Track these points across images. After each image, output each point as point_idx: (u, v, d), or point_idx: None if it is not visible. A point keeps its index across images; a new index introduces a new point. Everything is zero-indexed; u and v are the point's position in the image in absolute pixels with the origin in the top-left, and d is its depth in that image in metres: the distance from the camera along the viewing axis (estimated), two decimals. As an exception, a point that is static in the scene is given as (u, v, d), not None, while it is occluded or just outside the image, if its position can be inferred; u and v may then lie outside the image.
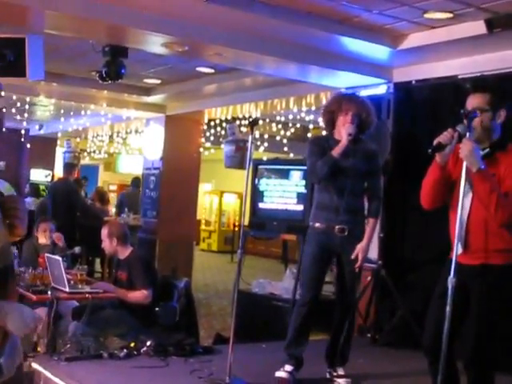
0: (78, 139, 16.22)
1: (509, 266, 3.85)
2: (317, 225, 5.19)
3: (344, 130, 5.04)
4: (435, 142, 3.84)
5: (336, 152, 5.02)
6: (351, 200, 5.09)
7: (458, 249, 3.82)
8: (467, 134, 3.74)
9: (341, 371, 5.25)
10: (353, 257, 5.07)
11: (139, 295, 5.94)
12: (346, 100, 5.20)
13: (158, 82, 10.22)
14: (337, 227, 5.08)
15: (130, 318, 5.95)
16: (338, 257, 5.25)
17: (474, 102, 3.91)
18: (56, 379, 4.96)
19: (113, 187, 23.58)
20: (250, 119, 5.72)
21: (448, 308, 3.62)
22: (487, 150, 3.89)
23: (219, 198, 22.46)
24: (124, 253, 6.22)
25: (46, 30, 6.29)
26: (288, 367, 5.08)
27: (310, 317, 5.17)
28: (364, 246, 5.11)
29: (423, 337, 4.09)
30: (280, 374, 5.05)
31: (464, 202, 3.83)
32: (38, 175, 17.14)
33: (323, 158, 5.04)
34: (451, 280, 3.62)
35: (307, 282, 5.27)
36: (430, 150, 3.86)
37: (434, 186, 3.96)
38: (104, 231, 6.26)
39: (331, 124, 5.24)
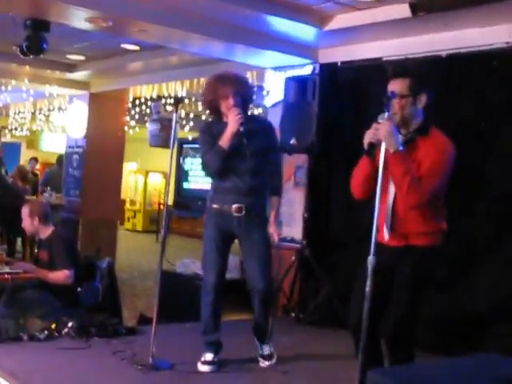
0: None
1: (431, 246, 3.94)
2: (214, 206, 5.02)
3: (232, 118, 4.82)
4: (366, 144, 3.84)
5: (225, 143, 4.81)
6: (251, 180, 4.91)
7: (384, 231, 3.90)
8: (386, 114, 3.77)
9: (266, 350, 5.24)
10: (273, 239, 4.99)
11: (61, 275, 5.84)
12: (220, 84, 4.93)
13: (82, 58, 10.00)
14: (233, 206, 4.91)
15: (52, 298, 5.84)
16: (239, 239, 5.07)
17: (393, 87, 3.93)
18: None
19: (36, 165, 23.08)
20: (176, 96, 5.59)
21: (368, 288, 3.68)
22: (409, 135, 3.94)
23: (144, 177, 22.24)
24: (45, 232, 6.09)
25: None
26: (208, 355, 5.03)
27: (217, 303, 5.03)
28: (274, 226, 5.02)
29: (349, 316, 4.13)
30: (202, 367, 4.99)
31: (389, 187, 3.89)
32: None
33: (213, 151, 4.86)
34: (371, 260, 3.67)
35: (209, 267, 5.07)
36: (364, 154, 3.87)
37: (365, 179, 3.97)
38: (25, 210, 6.12)
39: (217, 111, 5.02)
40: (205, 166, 5.02)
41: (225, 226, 4.99)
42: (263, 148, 4.99)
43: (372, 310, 3.70)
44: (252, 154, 4.89)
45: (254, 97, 5.24)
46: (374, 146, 3.83)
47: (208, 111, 5.20)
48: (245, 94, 4.99)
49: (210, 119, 5.27)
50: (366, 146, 3.86)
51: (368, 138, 3.84)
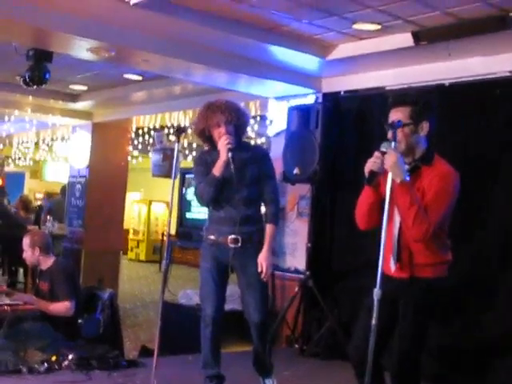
0: (1, 146, 15.82)
1: (436, 278, 3.87)
2: (210, 237, 4.92)
3: (221, 145, 4.77)
4: (367, 172, 3.80)
5: (217, 171, 4.75)
6: (245, 210, 4.81)
7: (391, 262, 3.84)
8: (392, 144, 3.73)
9: (269, 383, 5.14)
10: (259, 270, 4.80)
11: (61, 307, 5.77)
12: (211, 112, 4.85)
13: (85, 88, 10.01)
14: (229, 238, 4.81)
15: (52, 330, 5.77)
16: (236, 270, 4.96)
17: (395, 116, 3.89)
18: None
19: (39, 195, 23.09)
20: (179, 126, 5.52)
21: (373, 321, 3.61)
22: (413, 163, 3.90)
23: (148, 207, 22.22)
24: (46, 263, 6.04)
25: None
26: None
27: (217, 335, 4.93)
28: (265, 254, 4.82)
29: (350, 348, 4.06)
30: None
31: (395, 217, 3.83)
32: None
33: (206, 180, 4.80)
34: (376, 292, 3.61)
35: (206, 299, 4.96)
36: (365, 182, 3.82)
37: (369, 208, 3.91)
38: (26, 241, 6.07)
39: (209, 140, 4.95)
40: (199, 195, 4.94)
41: (221, 257, 4.90)
42: (256, 177, 4.88)
43: (375, 342, 3.63)
44: (244, 182, 4.82)
45: (248, 124, 5.15)
46: (375, 175, 3.79)
47: (202, 141, 5.11)
48: (237, 121, 4.88)
49: (205, 149, 5.19)
50: (366, 174, 3.81)
51: (369, 166, 3.79)
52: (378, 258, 3.73)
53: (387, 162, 3.70)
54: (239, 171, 4.80)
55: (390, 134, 3.76)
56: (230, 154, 4.74)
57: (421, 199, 3.74)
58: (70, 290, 5.84)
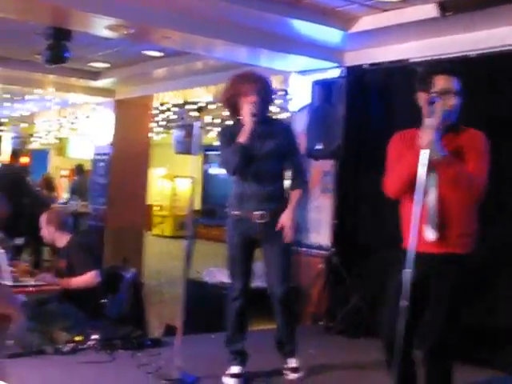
0: (25, 124, 15.87)
1: (468, 255, 3.80)
2: (235, 212, 4.95)
3: (246, 113, 4.79)
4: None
5: (242, 138, 4.77)
6: (270, 184, 4.86)
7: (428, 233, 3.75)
8: (428, 121, 3.67)
9: (292, 363, 5.10)
10: (277, 229, 4.82)
11: (84, 278, 5.71)
12: (242, 81, 4.91)
13: (106, 65, 9.97)
14: (255, 213, 4.84)
15: (76, 310, 5.76)
16: (262, 245, 5.00)
17: (447, 83, 3.82)
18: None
19: (64, 172, 23.18)
20: (199, 105, 5.52)
21: (405, 302, 3.54)
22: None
23: (172, 182, 22.22)
24: (62, 241, 6.01)
25: (-16, 12, 6.03)
26: (234, 368, 4.93)
27: (243, 310, 4.99)
28: (288, 215, 4.85)
29: (382, 330, 3.99)
30: (227, 381, 4.89)
31: (429, 189, 3.74)
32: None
33: (231, 148, 4.80)
34: (408, 273, 3.53)
35: (233, 274, 5.03)
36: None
37: (410, 179, 3.75)
38: (43, 219, 6.06)
39: (235, 111, 4.97)
40: (224, 164, 4.96)
41: (247, 232, 4.92)
42: (279, 150, 4.90)
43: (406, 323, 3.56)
44: (268, 156, 4.83)
45: (273, 100, 5.18)
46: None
47: (228, 110, 5.10)
48: (265, 94, 4.93)
49: (230, 123, 5.17)
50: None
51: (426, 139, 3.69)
52: (406, 235, 3.69)
53: (423, 141, 3.63)
54: (263, 144, 4.82)
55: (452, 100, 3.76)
56: (253, 118, 4.73)
57: (463, 164, 3.71)
58: (88, 262, 5.78)
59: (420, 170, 3.63)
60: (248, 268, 5.02)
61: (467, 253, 3.80)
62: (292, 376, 5.04)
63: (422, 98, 3.88)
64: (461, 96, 3.84)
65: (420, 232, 3.73)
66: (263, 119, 4.90)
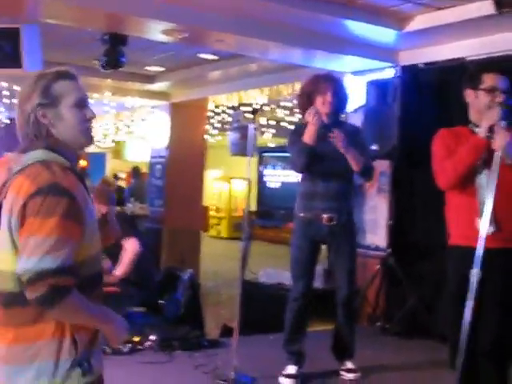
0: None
1: None
2: (302, 214, 4.99)
3: (322, 108, 4.86)
4: (487, 125, 3.70)
5: (305, 137, 4.81)
6: (338, 185, 4.89)
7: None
8: (502, 123, 3.65)
9: (349, 364, 5.10)
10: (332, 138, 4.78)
11: (128, 246, 5.80)
12: (323, 80, 4.98)
13: (162, 69, 10.08)
14: (324, 216, 4.88)
15: (136, 309, 5.86)
16: (329, 247, 5.04)
17: (492, 81, 3.81)
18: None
19: (121, 175, 23.47)
20: (253, 107, 5.57)
21: (470, 302, 3.52)
22: None
23: (228, 184, 22.33)
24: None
25: (43, 20, 6.15)
26: (291, 368, 4.96)
27: (303, 311, 5.02)
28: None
29: (450, 332, 3.95)
30: (283, 381, 4.91)
31: (481, 181, 3.75)
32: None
33: (298, 147, 4.85)
34: (475, 273, 3.49)
35: (296, 275, 5.07)
36: (486, 136, 3.71)
37: (473, 165, 3.76)
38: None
39: (307, 105, 4.98)
40: (292, 163, 5.02)
41: (315, 235, 4.96)
42: None
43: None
44: (337, 156, 4.82)
45: (347, 105, 5.25)
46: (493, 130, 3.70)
47: (300, 105, 5.14)
48: (342, 97, 5.02)
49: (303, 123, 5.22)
50: (486, 127, 3.71)
51: (491, 118, 3.71)
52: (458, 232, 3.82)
53: (498, 143, 3.62)
54: (334, 146, 4.81)
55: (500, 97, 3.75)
56: (316, 120, 4.78)
57: None
58: (126, 230, 5.87)
59: (492, 171, 3.63)
60: (311, 270, 5.06)
61: None
62: (348, 377, 5.04)
63: (469, 95, 3.87)
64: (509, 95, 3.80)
65: (470, 227, 3.73)
66: (335, 121, 4.98)
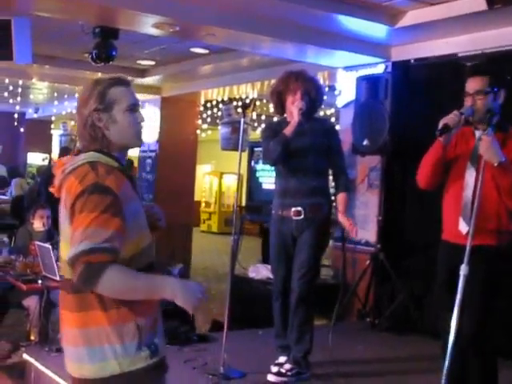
0: (73, 122, 16.05)
1: (501, 246, 3.88)
2: (274, 212, 5.01)
3: (294, 107, 4.82)
4: (442, 124, 3.84)
5: (288, 131, 4.79)
6: (311, 180, 4.85)
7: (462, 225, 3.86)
8: (488, 131, 3.76)
9: (282, 359, 5.01)
10: (346, 226, 4.85)
11: None
12: (293, 79, 4.93)
13: (153, 63, 10.06)
14: (292, 210, 4.85)
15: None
16: (295, 241, 4.94)
17: (473, 85, 3.92)
18: (47, 371, 4.84)
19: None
20: (244, 102, 5.57)
21: (459, 296, 3.53)
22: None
23: (219, 179, 22.31)
24: None
25: (34, 12, 6.12)
26: (282, 358, 4.96)
27: (285, 308, 4.97)
28: (343, 218, 4.87)
29: (439, 325, 3.99)
30: (274, 369, 4.88)
31: (468, 181, 3.88)
32: (35, 158, 17.02)
33: (275, 139, 4.82)
34: (463, 268, 3.52)
35: (274, 273, 5.09)
36: (437, 133, 3.86)
37: (434, 165, 3.98)
38: None
39: (280, 106, 5.03)
40: (266, 154, 4.98)
41: (285, 230, 4.94)
42: (324, 148, 4.91)
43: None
44: (312, 153, 4.85)
45: (322, 101, 5.16)
46: (448, 129, 3.83)
47: (273, 104, 5.15)
48: (314, 95, 4.95)
49: (275, 120, 5.22)
50: (440, 126, 3.84)
51: (445, 120, 3.84)
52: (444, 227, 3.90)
53: (482, 148, 3.73)
54: (308, 141, 4.85)
55: (468, 101, 3.89)
56: (299, 113, 4.78)
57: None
58: None
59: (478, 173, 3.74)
60: (288, 267, 4.97)
61: (501, 244, 3.87)
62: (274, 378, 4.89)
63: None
64: (494, 94, 3.90)
65: (455, 225, 3.88)
66: (309, 118, 4.93)
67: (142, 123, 2.56)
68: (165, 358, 2.50)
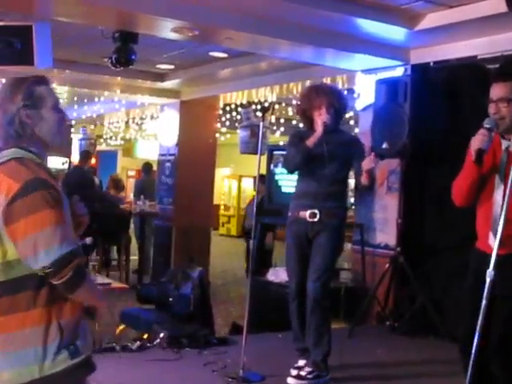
0: (92, 126, 16.16)
1: None
2: (290, 214, 5.10)
3: (319, 120, 4.97)
4: (475, 151, 3.62)
5: (310, 142, 4.92)
6: (330, 186, 4.94)
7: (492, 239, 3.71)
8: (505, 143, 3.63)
9: (301, 362, 5.05)
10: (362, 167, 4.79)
11: None
12: (314, 94, 5.08)
13: (172, 67, 10.08)
14: (308, 212, 4.93)
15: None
16: (310, 242, 5.00)
17: (497, 91, 3.71)
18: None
19: (131, 173, 23.54)
20: (263, 105, 5.65)
21: (484, 301, 3.47)
22: None
23: (238, 182, 22.33)
24: None
25: (54, 17, 6.16)
26: (301, 361, 4.99)
27: (301, 310, 5.00)
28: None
29: (459, 332, 3.95)
30: (293, 372, 4.91)
31: (495, 193, 3.71)
32: (55, 162, 17.10)
33: (297, 147, 4.96)
34: (490, 273, 3.47)
35: (290, 275, 5.15)
36: (475, 163, 3.64)
37: (471, 185, 3.76)
38: None
39: (308, 121, 5.15)
40: (286, 160, 5.17)
41: (300, 231, 5.01)
42: (345, 159, 5.02)
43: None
44: (333, 162, 4.93)
45: (347, 108, 5.30)
46: (483, 152, 3.63)
47: (301, 120, 5.33)
48: (338, 106, 5.07)
49: (302, 128, 5.30)
50: (474, 153, 3.64)
51: (477, 144, 3.63)
52: (481, 236, 3.72)
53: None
54: (331, 150, 4.91)
55: (492, 108, 3.67)
56: (323, 126, 4.91)
57: None
58: None
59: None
60: (302, 269, 5.01)
61: None
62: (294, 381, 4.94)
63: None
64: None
65: (486, 238, 3.74)
66: (335, 129, 5.07)
67: (68, 122, 2.59)
68: (90, 358, 2.42)
